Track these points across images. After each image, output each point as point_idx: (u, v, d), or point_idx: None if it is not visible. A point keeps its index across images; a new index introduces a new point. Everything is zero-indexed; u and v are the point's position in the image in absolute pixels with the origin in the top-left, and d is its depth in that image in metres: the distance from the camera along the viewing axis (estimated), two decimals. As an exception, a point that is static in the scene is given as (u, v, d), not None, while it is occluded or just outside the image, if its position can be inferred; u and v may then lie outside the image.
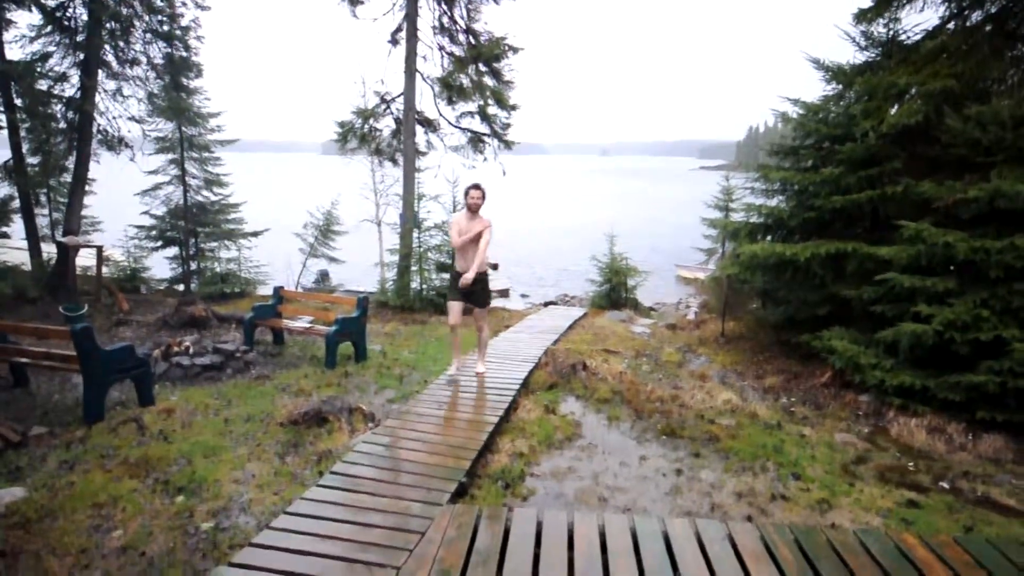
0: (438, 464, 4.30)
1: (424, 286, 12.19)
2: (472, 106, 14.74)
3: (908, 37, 7.91)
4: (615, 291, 13.53)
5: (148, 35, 13.13)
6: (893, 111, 7.41)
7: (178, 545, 3.46)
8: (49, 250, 12.35)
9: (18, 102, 12.06)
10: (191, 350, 7.37)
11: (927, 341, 5.89)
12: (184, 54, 13.62)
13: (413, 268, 12.37)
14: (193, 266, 13.99)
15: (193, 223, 14.31)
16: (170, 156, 14.43)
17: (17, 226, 13.15)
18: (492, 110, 14.73)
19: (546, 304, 15.29)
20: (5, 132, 11.93)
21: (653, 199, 66.73)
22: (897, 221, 6.54)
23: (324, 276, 18.52)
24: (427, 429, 4.99)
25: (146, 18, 13.01)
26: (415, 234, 12.74)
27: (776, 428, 5.61)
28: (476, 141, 15.01)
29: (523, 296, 18.46)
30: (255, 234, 14.94)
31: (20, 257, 12.61)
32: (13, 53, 11.87)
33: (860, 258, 6.92)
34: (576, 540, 3.31)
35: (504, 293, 17.70)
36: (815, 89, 8.52)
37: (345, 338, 7.43)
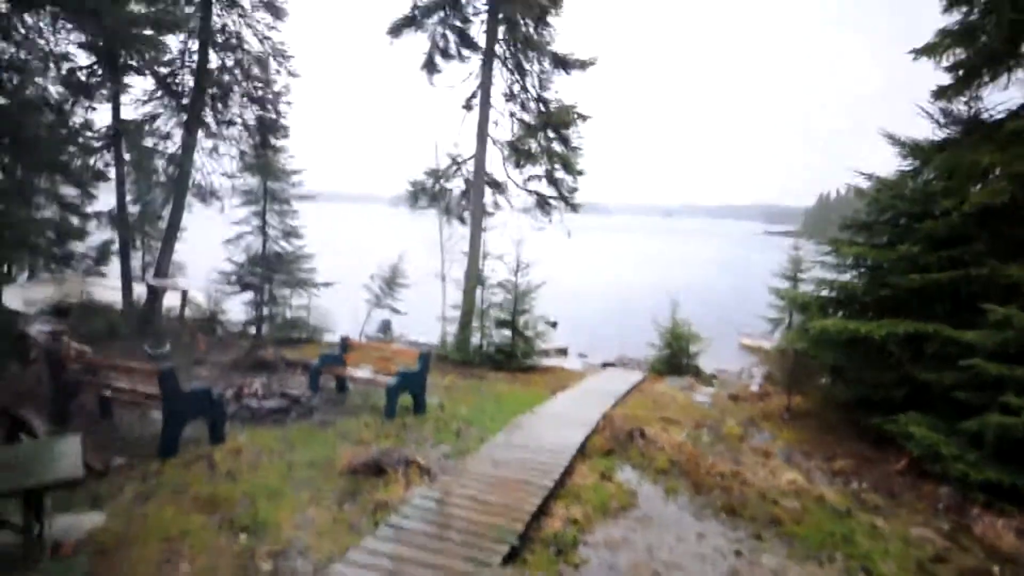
0: (491, 524, 4.29)
1: (484, 342, 12.34)
2: (540, 170, 15.21)
3: (990, 115, 7.73)
4: (676, 357, 13.27)
5: (244, 99, 14.31)
6: (975, 189, 7.19)
7: (239, 585, 3.56)
8: (139, 290, 13.25)
9: (127, 156, 13.28)
10: (260, 392, 7.69)
11: (1016, 434, 5.51)
12: (274, 116, 14.72)
13: (474, 324, 12.58)
14: (266, 311, 14.66)
15: (269, 271, 15.07)
16: (254, 208, 15.39)
17: (113, 267, 14.23)
18: (559, 174, 15.15)
19: (604, 365, 15.10)
20: (113, 182, 13.11)
21: (717, 263, 65.57)
22: (983, 304, 6.24)
23: (386, 326, 18.97)
24: (482, 488, 4.99)
25: (244, 84, 14.22)
26: (478, 291, 13.01)
27: (846, 515, 5.30)
28: (543, 203, 15.37)
29: (581, 356, 18.29)
30: (326, 285, 15.58)
31: (113, 296, 13.56)
32: (127, 113, 13.17)
33: (941, 340, 6.60)
34: (630, 616, 3.22)
35: (562, 352, 17.61)
36: (890, 163, 8.38)
37: (405, 390, 7.58)
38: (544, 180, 15.19)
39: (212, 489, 4.79)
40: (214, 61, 13.50)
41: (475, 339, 12.53)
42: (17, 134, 9.70)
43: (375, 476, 5.29)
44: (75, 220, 13.30)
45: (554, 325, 13.10)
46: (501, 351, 12.08)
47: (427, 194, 15.64)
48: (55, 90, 11.53)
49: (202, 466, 5.27)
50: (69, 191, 12.71)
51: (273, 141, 14.93)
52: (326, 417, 7.31)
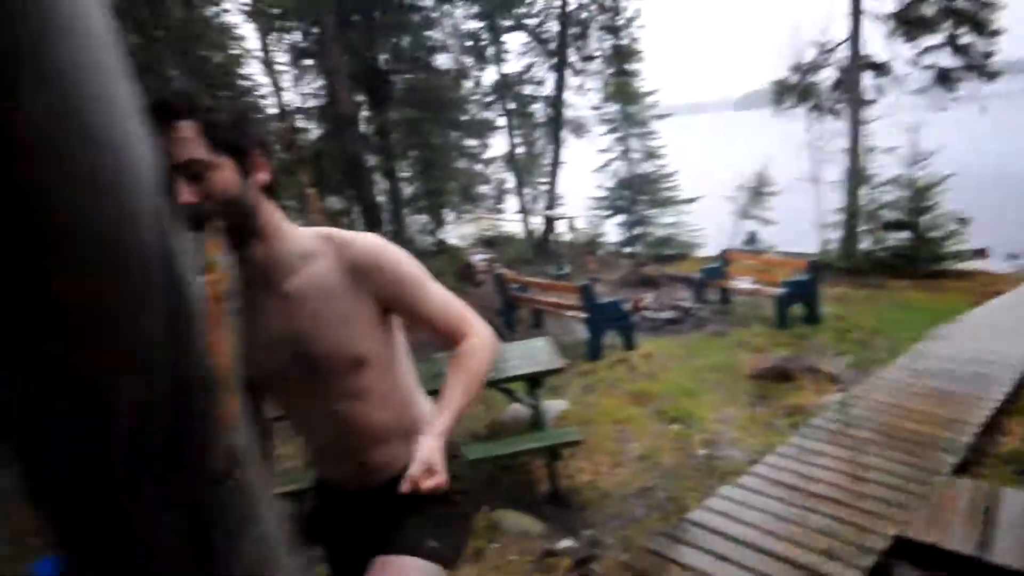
0: (927, 433, 4.08)
1: (876, 246, 11.08)
2: (937, 38, 12.46)
3: None
4: None
5: (601, 32, 15.07)
6: None
7: (683, 462, 4.21)
8: (532, 221, 15.58)
9: (511, 106, 15.45)
10: (653, 305, 8.48)
11: None
12: (628, 42, 15.15)
13: (861, 227, 11.36)
14: (638, 231, 15.72)
15: (636, 193, 16.00)
16: (617, 135, 16.35)
17: (508, 203, 17.00)
18: (966, 38, 12.19)
19: (1047, 268, 12.04)
20: (501, 130, 15.49)
21: None
22: None
23: (753, 237, 18.41)
24: (906, 398, 4.72)
25: (599, 18, 14.93)
26: (862, 191, 11.65)
27: None
28: (943, 78, 12.64)
29: (1011, 257, 14.82)
30: (689, 200, 15.85)
31: (513, 228, 16.22)
32: (507, 68, 15.23)
33: None
34: None
35: (979, 253, 14.55)
36: None
37: (796, 300, 7.43)
38: (948, 49, 12.42)
39: (637, 386, 5.62)
40: (572, 2, 14.50)
41: (863, 244, 11.34)
42: (437, 101, 12.18)
43: (781, 382, 5.46)
44: (478, 167, 16.19)
45: (963, 222, 10.96)
46: (899, 255, 10.69)
47: (794, 91, 14.33)
48: (455, 58, 14.00)
49: (623, 368, 6.18)
50: (470, 142, 15.49)
51: (628, 67, 15.44)
52: (717, 327, 7.68)
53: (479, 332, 1.40)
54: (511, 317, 8.08)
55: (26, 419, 0.40)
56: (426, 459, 1.17)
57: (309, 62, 11.32)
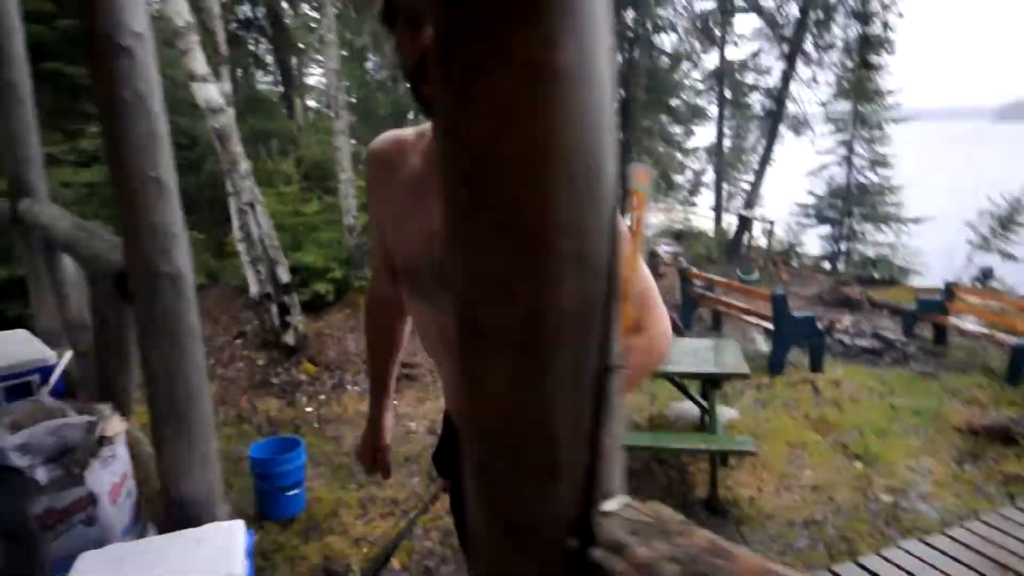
0: None
1: None
2: None
3: None
4: None
5: (847, 18, 13.56)
6: None
7: (860, 504, 3.86)
8: (726, 219, 14.77)
9: (727, 95, 14.62)
10: (850, 329, 7.72)
11: None
12: (880, 31, 13.47)
13: None
14: (844, 247, 14.23)
15: (850, 204, 14.44)
16: (841, 136, 14.80)
17: (703, 197, 16.24)
18: None
19: None
20: (712, 119, 14.74)
21: None
22: None
23: (987, 274, 15.73)
24: None
25: (848, 1, 13.42)
26: None
27: None
28: None
29: None
30: (915, 221, 13.96)
31: (703, 224, 15.50)
32: (732, 53, 14.36)
33: None
34: None
35: None
36: None
37: (1041, 355, 6.30)
38: None
39: (819, 412, 5.20)
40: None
41: None
42: (652, 82, 11.91)
43: (1001, 444, 4.73)
44: (677, 155, 15.62)
45: None
46: None
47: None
48: (679, 39, 13.53)
49: (806, 389, 5.74)
50: (675, 129, 14.94)
51: (874, 59, 13.81)
52: (924, 367, 6.79)
53: (651, 328, 1.22)
54: (690, 315, 7.83)
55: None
56: None
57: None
